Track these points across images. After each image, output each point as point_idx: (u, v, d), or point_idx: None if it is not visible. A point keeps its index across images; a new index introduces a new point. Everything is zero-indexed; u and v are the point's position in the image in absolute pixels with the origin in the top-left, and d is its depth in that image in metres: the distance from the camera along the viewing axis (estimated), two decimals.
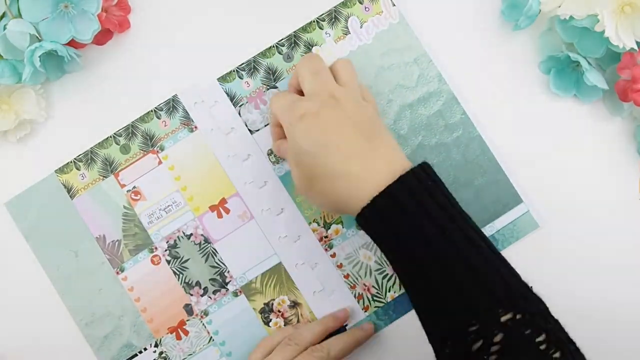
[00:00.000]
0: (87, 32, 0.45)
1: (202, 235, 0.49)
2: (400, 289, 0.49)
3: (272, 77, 0.49)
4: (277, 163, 0.49)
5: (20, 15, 0.44)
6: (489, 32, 0.50)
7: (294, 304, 0.49)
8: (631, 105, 0.48)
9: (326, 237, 0.49)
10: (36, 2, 0.43)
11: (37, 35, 0.44)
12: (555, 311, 0.38)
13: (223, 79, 0.49)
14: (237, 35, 0.50)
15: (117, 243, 0.48)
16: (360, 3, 0.50)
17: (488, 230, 0.49)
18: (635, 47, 0.44)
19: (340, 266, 0.49)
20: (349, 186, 0.40)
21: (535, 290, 0.39)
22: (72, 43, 0.46)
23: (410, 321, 0.49)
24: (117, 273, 0.48)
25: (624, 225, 0.50)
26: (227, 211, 0.49)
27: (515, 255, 0.49)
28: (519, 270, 0.39)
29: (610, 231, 0.50)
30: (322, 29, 0.50)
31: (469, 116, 0.50)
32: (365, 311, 0.49)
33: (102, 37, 0.48)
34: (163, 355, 0.48)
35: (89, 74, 0.49)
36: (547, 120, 0.50)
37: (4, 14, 0.44)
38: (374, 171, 0.40)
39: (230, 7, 0.50)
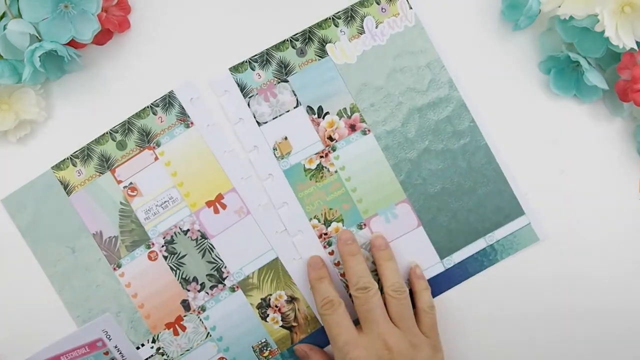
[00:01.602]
0: (87, 32, 0.45)
1: (198, 230, 0.49)
2: None
3: (284, 71, 0.49)
4: (282, 158, 0.49)
5: (20, 15, 0.44)
6: (488, 32, 0.50)
7: (291, 299, 0.48)
8: (631, 105, 0.48)
9: (326, 234, 0.49)
10: (36, 2, 0.44)
11: (37, 35, 0.45)
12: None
13: (235, 69, 0.49)
14: (252, 27, 0.50)
15: (114, 239, 0.48)
16: (378, 3, 0.50)
17: (487, 240, 0.49)
18: (635, 47, 0.44)
19: (337, 264, 0.49)
20: None
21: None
22: (72, 43, 0.46)
23: None
24: (114, 269, 0.48)
25: (624, 226, 0.49)
26: (224, 207, 0.49)
27: (513, 268, 0.49)
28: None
29: (610, 233, 0.49)
30: (337, 27, 0.50)
31: (478, 125, 0.49)
32: None
33: (102, 37, 0.48)
34: (160, 351, 0.48)
35: (89, 74, 0.50)
36: (547, 120, 0.50)
37: (4, 14, 0.45)
38: None
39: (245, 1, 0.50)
